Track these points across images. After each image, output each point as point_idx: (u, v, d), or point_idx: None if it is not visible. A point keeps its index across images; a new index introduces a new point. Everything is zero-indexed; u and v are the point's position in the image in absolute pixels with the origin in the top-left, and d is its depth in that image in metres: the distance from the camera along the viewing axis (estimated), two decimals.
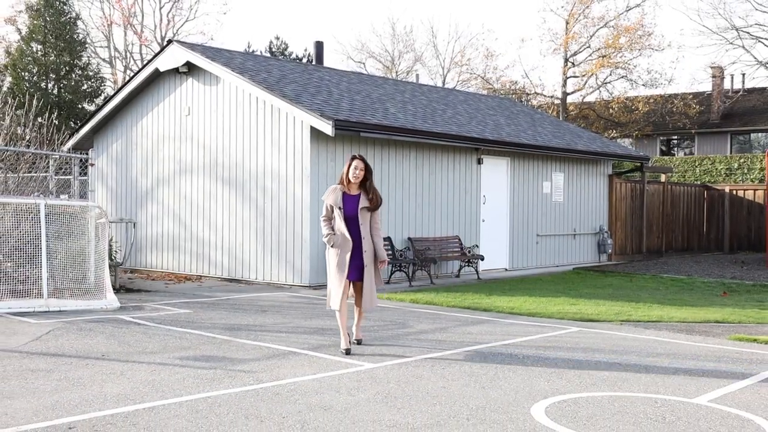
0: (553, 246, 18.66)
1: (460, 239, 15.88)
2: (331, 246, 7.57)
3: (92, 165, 13.44)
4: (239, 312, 10.45)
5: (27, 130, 13.11)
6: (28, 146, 13.05)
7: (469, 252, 15.93)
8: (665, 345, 8.48)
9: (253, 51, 43.31)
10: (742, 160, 30.98)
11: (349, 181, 7.61)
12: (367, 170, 7.65)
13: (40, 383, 6.11)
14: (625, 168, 23.48)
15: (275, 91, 13.75)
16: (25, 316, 9.59)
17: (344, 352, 7.53)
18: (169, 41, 15.64)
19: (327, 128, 12.83)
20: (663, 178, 23.39)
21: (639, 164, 21.36)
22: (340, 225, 7.54)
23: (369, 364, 7.01)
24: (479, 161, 16.52)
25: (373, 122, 13.79)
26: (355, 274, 7.61)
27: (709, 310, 11.21)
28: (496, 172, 17.04)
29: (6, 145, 13.12)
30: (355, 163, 7.63)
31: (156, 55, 15.88)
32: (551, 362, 7.35)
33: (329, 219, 7.66)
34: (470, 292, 12.92)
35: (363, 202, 7.59)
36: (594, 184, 19.95)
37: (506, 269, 17.28)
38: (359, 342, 7.98)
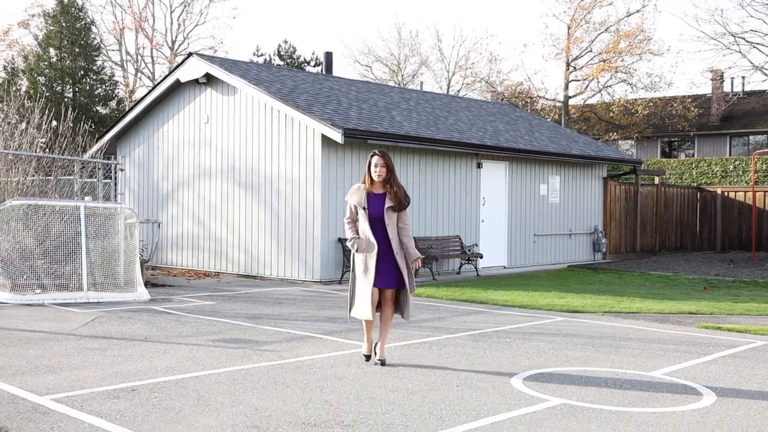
0: (550, 245, 19.74)
1: (460, 238, 16.97)
2: (356, 251, 7.04)
3: (122, 170, 14.58)
4: (258, 304, 11.58)
5: (59, 138, 14.24)
6: (62, 152, 14.19)
7: (469, 250, 17.03)
8: (638, 332, 9.58)
9: (261, 54, 44.45)
10: (737, 162, 31.93)
11: (372, 181, 7.14)
12: (389, 166, 7.13)
13: (98, 358, 7.24)
14: (621, 171, 24.52)
15: (289, 101, 14.88)
16: (69, 307, 10.75)
17: (365, 358, 7.24)
18: (190, 54, 16.79)
19: (337, 136, 13.95)
20: (657, 180, 24.44)
21: (632, 167, 22.44)
22: (364, 227, 7.03)
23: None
24: (479, 165, 17.61)
25: (379, 130, 14.90)
26: (382, 280, 6.99)
27: (687, 303, 12.29)
28: (495, 176, 18.13)
29: (25, 149, 14.27)
30: (374, 160, 7.14)
31: (177, 66, 17.04)
32: (534, 344, 8.46)
33: (354, 221, 7.16)
34: (469, 287, 14.03)
35: (389, 202, 7.03)
36: (589, 186, 21.01)
37: (505, 267, 18.37)
38: (383, 363, 7.15)
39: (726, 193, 25.38)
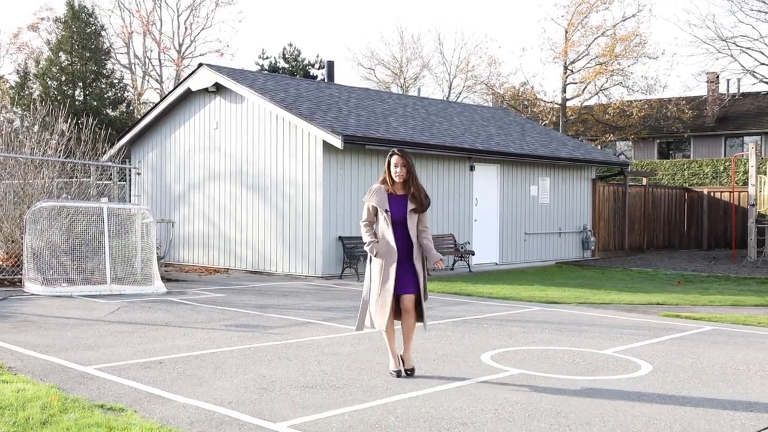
0: (540, 243, 20.86)
1: (454, 237, 18.12)
2: (375, 255, 6.67)
3: (138, 174, 15.76)
4: (265, 296, 12.75)
5: (82, 144, 15.44)
6: (83, 157, 15.38)
7: (462, 248, 18.17)
8: (604, 319, 10.71)
9: (267, 57, 45.55)
10: (727, 163, 32.99)
11: (393, 182, 6.76)
12: (409, 165, 6.72)
13: (127, 339, 8.42)
14: (611, 172, 25.62)
15: (293, 109, 16.05)
16: (95, 298, 11.94)
17: (395, 374, 6.78)
18: (200, 64, 17.97)
19: (337, 142, 15.12)
20: (645, 181, 25.56)
21: (620, 169, 23.57)
22: (385, 231, 6.67)
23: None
24: (472, 168, 18.75)
25: (376, 136, 16.06)
26: (403, 287, 6.68)
27: (657, 296, 13.41)
28: (487, 178, 19.26)
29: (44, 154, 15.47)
30: (394, 159, 6.71)
31: (188, 76, 18.24)
32: (507, 329, 9.60)
33: (371, 224, 6.78)
34: (459, 282, 15.18)
35: (411, 204, 6.70)
36: (578, 187, 22.12)
37: (496, 264, 19.50)
38: (412, 372, 6.80)
39: (712, 194, 26.47)
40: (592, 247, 22.32)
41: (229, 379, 6.60)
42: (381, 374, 6.89)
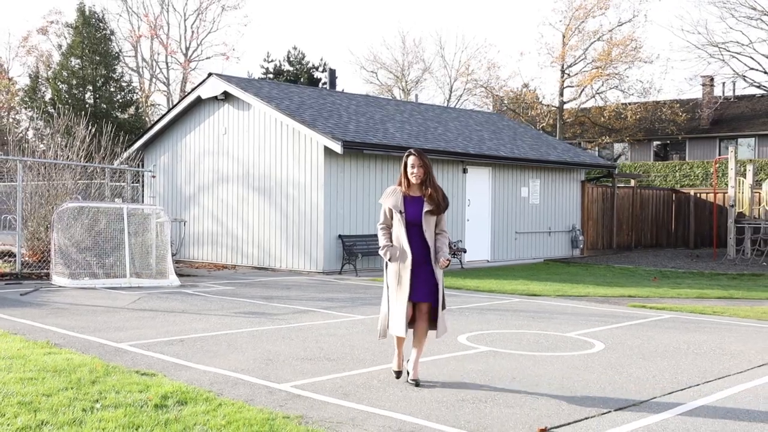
0: (530, 242, 22.03)
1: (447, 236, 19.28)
2: (389, 260, 6.50)
3: (153, 177, 16.98)
4: (270, 288, 13.95)
5: (102, 149, 16.69)
6: (102, 161, 16.62)
7: (455, 246, 19.35)
8: (576, 308, 11.88)
9: (272, 60, 46.76)
10: (717, 165, 34.07)
11: (410, 183, 6.58)
12: (426, 166, 6.55)
13: (150, 323, 9.62)
14: (601, 174, 26.78)
15: (296, 116, 17.25)
16: (116, 290, 13.15)
17: (396, 374, 6.69)
18: (210, 74, 19.18)
19: (337, 147, 16.32)
20: (633, 182, 26.70)
21: (608, 171, 24.74)
22: (399, 233, 6.48)
23: (360, 316, 10.47)
24: (464, 171, 19.93)
25: (374, 142, 17.26)
26: (418, 293, 6.46)
27: (632, 289, 14.57)
28: (479, 180, 20.44)
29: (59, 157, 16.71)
30: (411, 160, 6.53)
31: (198, 85, 19.45)
32: (486, 317, 10.77)
33: (388, 227, 6.60)
34: (450, 277, 16.34)
35: (427, 205, 6.48)
36: (568, 189, 23.29)
37: (488, 261, 20.67)
38: (417, 383, 6.50)
39: (698, 195, 27.62)
40: (581, 246, 23.47)
41: (240, 353, 7.79)
42: (370, 350, 8.08)
